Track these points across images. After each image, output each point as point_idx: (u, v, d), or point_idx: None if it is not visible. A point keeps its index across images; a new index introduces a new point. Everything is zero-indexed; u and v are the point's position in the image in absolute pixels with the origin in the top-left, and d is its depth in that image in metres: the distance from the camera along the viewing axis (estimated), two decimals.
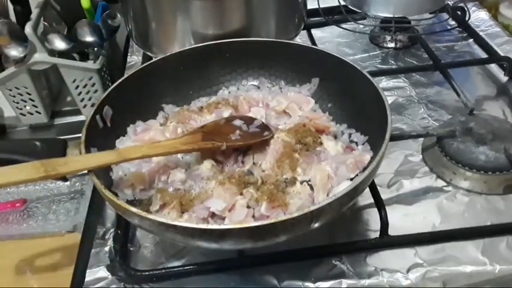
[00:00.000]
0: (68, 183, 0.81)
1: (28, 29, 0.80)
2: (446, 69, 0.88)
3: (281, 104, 0.74)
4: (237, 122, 0.70)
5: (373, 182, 0.66)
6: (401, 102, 0.86)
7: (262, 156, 0.66)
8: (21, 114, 0.90)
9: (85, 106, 0.91)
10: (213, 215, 0.58)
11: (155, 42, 0.91)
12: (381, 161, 0.56)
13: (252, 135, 0.68)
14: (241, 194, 0.60)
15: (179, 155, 0.67)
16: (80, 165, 0.56)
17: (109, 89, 0.69)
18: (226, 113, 0.73)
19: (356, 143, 0.68)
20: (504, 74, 0.91)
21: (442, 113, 0.83)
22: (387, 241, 0.62)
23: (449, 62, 0.94)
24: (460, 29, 1.05)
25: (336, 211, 0.54)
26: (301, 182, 0.63)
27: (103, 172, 0.61)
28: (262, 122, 0.71)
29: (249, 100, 0.75)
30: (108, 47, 0.96)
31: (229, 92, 0.80)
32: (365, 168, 0.61)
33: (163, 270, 0.61)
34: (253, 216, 0.58)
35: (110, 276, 0.61)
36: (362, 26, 1.06)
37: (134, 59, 1.03)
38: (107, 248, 0.65)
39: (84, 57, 0.90)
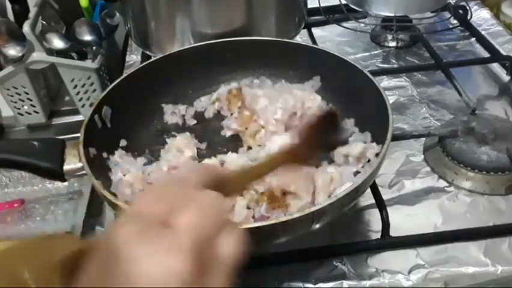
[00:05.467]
0: (66, 183, 0.80)
1: (26, 28, 0.80)
2: (447, 69, 0.87)
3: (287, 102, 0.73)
4: None
5: (374, 182, 0.65)
6: (403, 101, 0.86)
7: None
8: (19, 114, 0.89)
9: (83, 106, 0.90)
10: None
11: (154, 41, 0.90)
12: (383, 161, 0.56)
13: None
14: (241, 194, 0.60)
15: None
16: None
17: (108, 89, 0.68)
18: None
19: None
20: (506, 74, 0.90)
21: (444, 113, 0.82)
22: (389, 242, 0.62)
23: (451, 61, 0.93)
24: (462, 28, 1.04)
25: (337, 212, 0.54)
26: None
27: (102, 172, 0.60)
28: None
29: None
30: (107, 46, 0.95)
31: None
32: None
33: None
34: (253, 217, 0.57)
35: None
36: (363, 25, 1.05)
37: (133, 58, 1.02)
38: None
39: (82, 57, 0.89)
